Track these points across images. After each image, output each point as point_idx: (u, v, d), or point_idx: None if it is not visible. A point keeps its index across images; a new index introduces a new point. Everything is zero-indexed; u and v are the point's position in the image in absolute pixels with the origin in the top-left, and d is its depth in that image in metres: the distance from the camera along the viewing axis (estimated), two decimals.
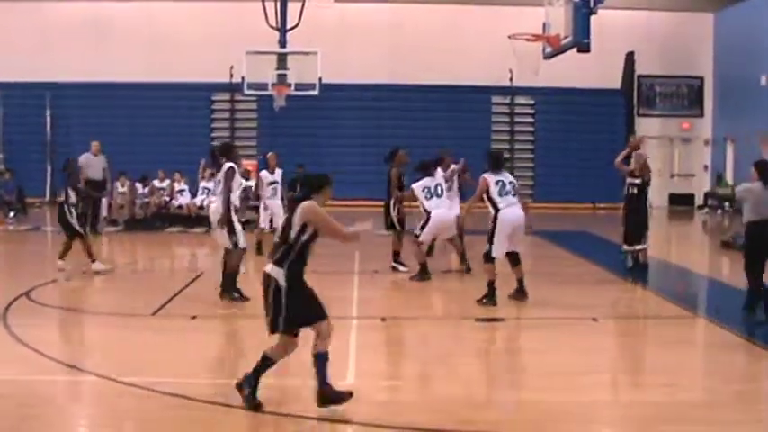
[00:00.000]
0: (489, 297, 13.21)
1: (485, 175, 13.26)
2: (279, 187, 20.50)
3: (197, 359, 10.25)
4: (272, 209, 20.14)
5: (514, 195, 13.22)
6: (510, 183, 13.32)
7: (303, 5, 29.63)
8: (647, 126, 37.02)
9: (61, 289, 15.18)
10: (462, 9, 35.44)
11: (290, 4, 29.40)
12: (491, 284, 13.25)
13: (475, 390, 9.31)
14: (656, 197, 36.68)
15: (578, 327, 12.00)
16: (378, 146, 31.17)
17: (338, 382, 8.60)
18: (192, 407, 8.17)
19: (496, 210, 13.08)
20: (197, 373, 9.45)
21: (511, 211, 13.10)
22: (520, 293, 13.61)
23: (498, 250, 13.17)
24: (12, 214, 27.31)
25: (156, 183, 26.74)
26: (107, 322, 12.16)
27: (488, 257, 13.22)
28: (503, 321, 12.35)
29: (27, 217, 28.13)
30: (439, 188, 16.09)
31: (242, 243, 13.74)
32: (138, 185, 26.86)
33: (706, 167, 37.16)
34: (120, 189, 26.54)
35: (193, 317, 12.53)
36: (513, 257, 13.51)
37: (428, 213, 15.87)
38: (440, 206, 16.00)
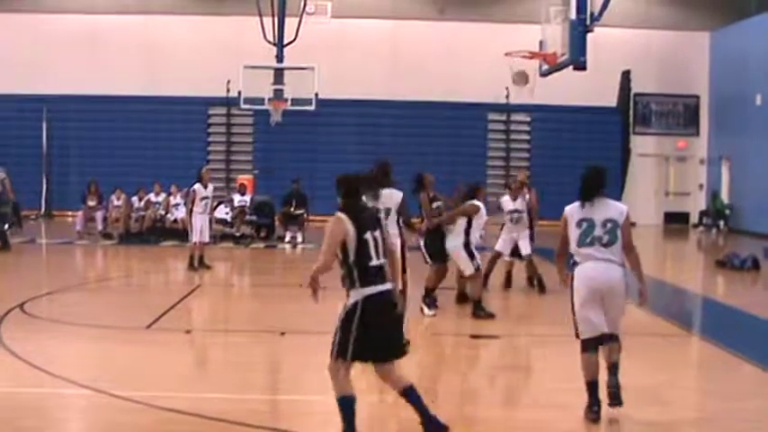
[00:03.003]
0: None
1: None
2: (210, 203, 20.22)
3: (191, 373, 10.24)
4: (202, 223, 19.62)
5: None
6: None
7: (300, 21, 29.72)
8: (642, 144, 37.09)
9: (55, 302, 15.16)
10: (459, 26, 35.51)
11: (287, 20, 29.44)
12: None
13: (470, 406, 9.30)
14: (652, 215, 36.76)
15: (572, 344, 11.97)
16: (374, 162, 31.22)
17: (323, 398, 8.59)
18: (186, 421, 8.15)
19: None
20: (191, 388, 9.43)
21: None
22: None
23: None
24: (6, 227, 27.24)
25: (152, 196, 26.72)
26: (101, 335, 12.14)
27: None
28: (497, 339, 12.33)
29: (22, 230, 28.07)
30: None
31: None
32: (134, 199, 26.85)
33: (701, 186, 37.17)
34: (116, 202, 26.52)
35: (188, 331, 12.52)
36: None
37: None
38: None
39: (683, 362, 11.82)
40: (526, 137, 36.77)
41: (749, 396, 9.68)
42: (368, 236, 7.46)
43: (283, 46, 29.44)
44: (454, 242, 14.28)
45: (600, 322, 8.61)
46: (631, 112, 36.97)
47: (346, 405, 7.59)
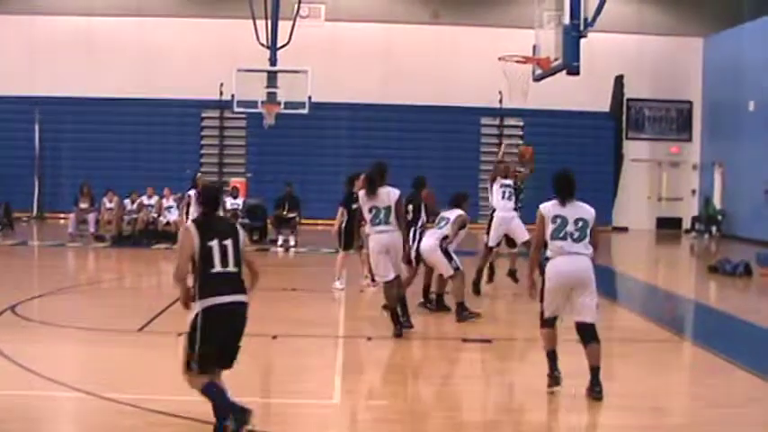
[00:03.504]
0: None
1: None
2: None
3: (182, 376, 10.20)
4: None
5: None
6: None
7: (294, 24, 29.68)
8: (635, 149, 37.14)
9: (47, 304, 15.11)
10: (453, 30, 35.53)
11: (280, 23, 29.42)
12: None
13: (463, 411, 9.29)
14: (644, 220, 36.81)
15: (565, 349, 11.97)
16: (367, 165, 31.21)
17: (325, 401, 8.56)
18: (177, 424, 8.14)
19: None
20: (182, 391, 9.39)
21: None
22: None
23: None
24: None
25: (145, 199, 26.68)
26: (93, 338, 12.11)
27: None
28: (490, 343, 12.31)
29: (14, 232, 28.03)
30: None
31: None
32: (127, 201, 26.81)
33: (694, 192, 37.22)
34: (108, 205, 26.47)
35: (180, 334, 12.48)
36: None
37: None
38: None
39: (675, 367, 11.82)
40: (519, 141, 36.72)
41: (741, 402, 9.68)
42: (213, 243, 7.59)
43: (277, 49, 29.42)
44: (429, 243, 14.33)
45: (561, 307, 9.68)
46: (624, 118, 37.02)
47: (210, 391, 7.68)
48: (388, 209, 12.60)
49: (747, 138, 32.73)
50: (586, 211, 9.89)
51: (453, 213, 14.60)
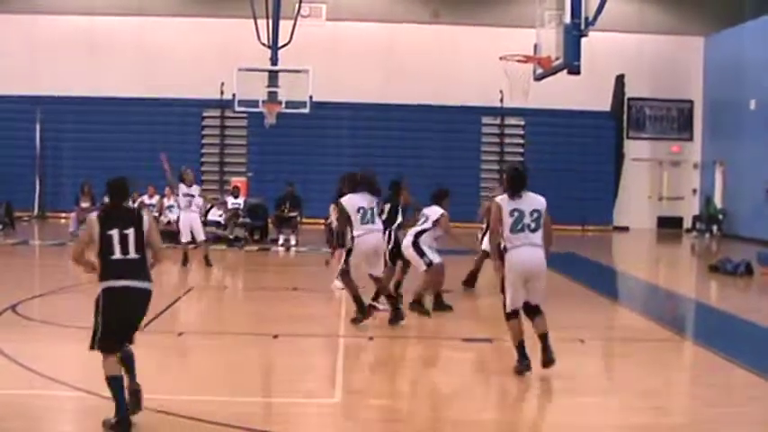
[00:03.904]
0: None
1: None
2: (195, 200, 21.10)
3: (183, 376, 10.22)
4: (190, 221, 20.82)
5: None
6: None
7: (295, 23, 29.68)
8: (636, 149, 37.12)
9: (48, 303, 15.11)
10: (454, 30, 35.52)
11: (281, 22, 29.42)
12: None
13: (463, 410, 9.29)
14: (645, 219, 36.81)
15: (565, 348, 11.98)
16: (368, 165, 31.19)
17: (326, 400, 8.57)
18: (178, 424, 8.13)
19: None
20: (183, 390, 9.41)
21: None
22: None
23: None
24: None
25: (146, 198, 26.68)
26: None
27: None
28: (489, 342, 12.31)
29: (15, 231, 28.05)
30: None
31: None
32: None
33: (695, 191, 37.21)
34: None
35: (180, 333, 12.49)
36: None
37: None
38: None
39: (675, 366, 11.82)
40: (520, 140, 36.77)
41: (741, 401, 9.69)
42: (113, 232, 8.13)
43: (278, 48, 29.41)
44: (407, 240, 14.53)
45: (521, 298, 10.28)
46: (625, 117, 37.00)
47: (112, 384, 8.04)
48: (372, 209, 13.25)
49: (748, 137, 32.71)
50: (539, 202, 10.44)
51: (433, 212, 14.64)
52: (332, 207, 17.43)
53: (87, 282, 17.37)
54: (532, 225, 10.18)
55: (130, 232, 8.20)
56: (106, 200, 8.73)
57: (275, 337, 12.25)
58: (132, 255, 8.19)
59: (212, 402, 8.84)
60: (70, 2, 35.32)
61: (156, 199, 26.66)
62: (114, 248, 8.13)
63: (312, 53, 30.30)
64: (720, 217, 34.53)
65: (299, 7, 30.35)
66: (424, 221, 14.56)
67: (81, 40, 34.85)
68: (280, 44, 29.39)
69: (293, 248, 25.22)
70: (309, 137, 34.36)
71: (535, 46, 21.69)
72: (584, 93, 32.78)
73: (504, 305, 10.37)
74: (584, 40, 19.07)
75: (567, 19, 18.97)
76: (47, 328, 12.59)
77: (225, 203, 27.07)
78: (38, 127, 34.04)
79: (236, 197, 27.42)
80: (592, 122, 35.94)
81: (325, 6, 32.25)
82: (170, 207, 25.81)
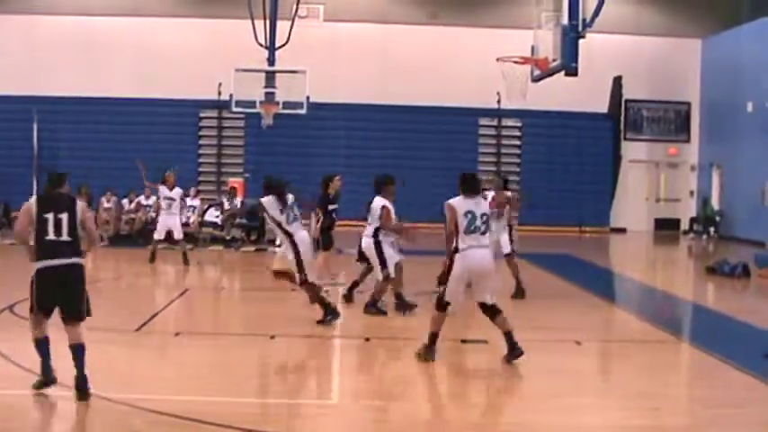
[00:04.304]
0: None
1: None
2: (175, 204, 21.70)
3: (180, 376, 10.21)
4: (169, 224, 21.45)
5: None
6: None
7: (292, 24, 29.65)
8: (633, 150, 37.14)
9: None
10: (451, 31, 35.53)
11: (279, 23, 29.40)
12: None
13: (458, 412, 9.29)
14: (642, 221, 36.83)
15: (562, 349, 12.00)
16: (365, 166, 31.22)
17: (322, 401, 8.55)
18: (173, 423, 8.13)
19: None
20: (180, 390, 9.41)
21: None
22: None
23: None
24: None
25: (142, 199, 26.67)
26: (90, 337, 12.02)
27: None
28: (486, 344, 12.31)
29: (12, 231, 27.97)
30: None
31: None
32: (124, 201, 26.78)
33: (692, 193, 37.24)
34: (106, 205, 26.47)
35: (177, 333, 12.49)
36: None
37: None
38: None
39: (672, 368, 11.82)
40: (517, 142, 36.78)
41: (738, 403, 9.69)
42: (48, 216, 9.06)
43: (275, 49, 29.37)
44: (366, 241, 14.60)
45: (460, 295, 10.90)
46: (622, 118, 37.02)
47: (39, 345, 9.17)
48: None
49: (745, 139, 32.74)
50: (486, 206, 11.10)
51: (376, 203, 14.52)
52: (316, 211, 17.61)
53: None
54: (482, 228, 10.70)
55: (64, 217, 9.11)
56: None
57: (272, 337, 12.25)
58: (65, 237, 9.06)
59: (209, 403, 8.83)
60: (67, 2, 35.30)
61: (152, 199, 26.64)
62: (49, 230, 9.01)
63: (309, 54, 30.26)
64: (717, 219, 34.56)
65: (297, 8, 30.33)
66: (371, 217, 14.57)
67: (78, 41, 34.81)
68: (277, 45, 29.34)
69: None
70: (306, 138, 34.34)
71: (532, 47, 21.68)
72: (581, 94, 32.78)
73: (441, 296, 10.88)
74: (581, 41, 19.06)
75: (565, 20, 18.98)
76: None
77: (222, 204, 27.06)
78: (35, 127, 33.98)
79: (232, 198, 27.41)
80: (589, 124, 35.94)
81: (322, 7, 32.29)
82: (147, 207, 25.78)
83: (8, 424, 8.04)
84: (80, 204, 9.43)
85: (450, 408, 9.46)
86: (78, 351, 9.06)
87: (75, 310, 9.21)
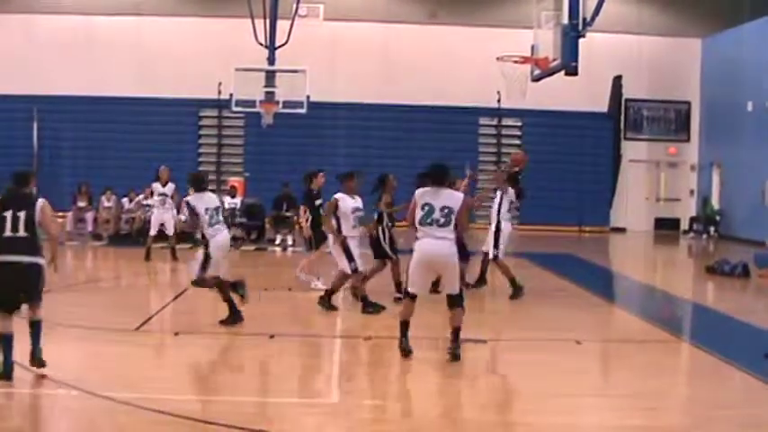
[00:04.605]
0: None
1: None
2: (168, 200, 22.16)
3: (179, 375, 10.20)
4: (163, 219, 22.10)
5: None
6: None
7: (292, 23, 29.68)
8: (633, 150, 37.15)
9: (44, 302, 15.02)
10: (451, 30, 35.52)
11: (279, 22, 29.42)
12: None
13: (459, 411, 9.29)
14: (642, 221, 36.82)
15: (561, 349, 11.99)
16: (365, 165, 31.14)
17: (322, 400, 8.54)
18: (172, 423, 8.12)
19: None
20: (179, 389, 9.40)
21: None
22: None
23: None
24: None
25: (142, 198, 26.67)
26: (90, 336, 12.11)
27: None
28: (485, 343, 12.30)
29: None
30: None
31: None
32: (125, 200, 26.80)
33: (692, 192, 37.24)
34: (106, 204, 26.47)
35: (176, 333, 12.48)
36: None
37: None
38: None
39: (672, 368, 11.81)
40: (517, 141, 36.73)
41: (738, 403, 9.68)
42: (7, 213, 9.50)
43: (275, 48, 29.41)
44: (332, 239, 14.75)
45: (423, 284, 11.25)
46: (622, 118, 37.02)
47: (2, 342, 9.42)
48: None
49: (746, 138, 32.73)
50: (454, 200, 10.95)
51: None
52: (302, 208, 17.68)
53: (84, 282, 17.45)
54: (441, 220, 10.75)
55: (22, 214, 9.52)
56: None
57: (271, 337, 12.24)
58: (21, 233, 9.46)
59: (208, 402, 8.84)
60: (67, 1, 35.31)
61: (152, 199, 26.63)
62: (6, 227, 9.42)
63: (309, 53, 30.28)
64: (717, 218, 34.55)
65: (297, 7, 30.36)
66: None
67: (78, 40, 34.81)
68: (277, 44, 29.38)
69: (290, 248, 25.21)
70: (306, 137, 34.34)
71: (532, 47, 21.67)
72: (581, 94, 32.79)
73: (406, 286, 11.32)
74: (581, 40, 19.05)
75: (565, 20, 18.97)
76: (43, 327, 12.54)
77: (222, 203, 27.04)
78: (35, 126, 33.99)
79: (233, 197, 27.41)
80: (589, 123, 35.95)
81: (322, 6, 32.31)
82: (147, 206, 25.79)
83: (7, 423, 8.03)
84: (41, 203, 9.83)
85: (449, 407, 9.44)
86: (35, 327, 9.68)
87: (35, 299, 9.78)
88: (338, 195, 14.58)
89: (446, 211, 10.79)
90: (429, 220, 10.78)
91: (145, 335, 12.36)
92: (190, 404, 8.69)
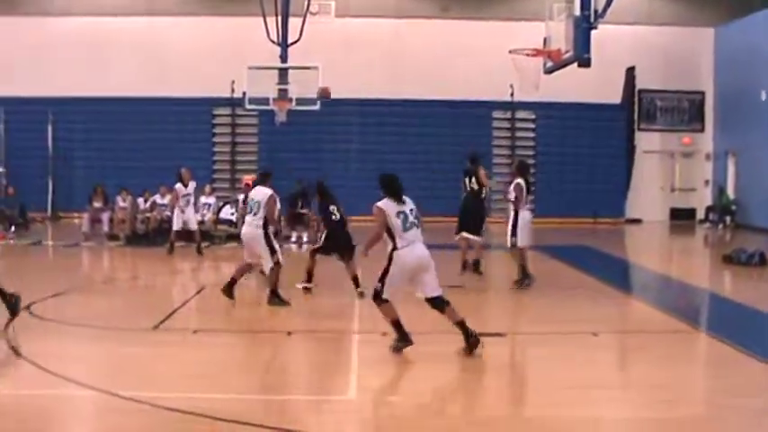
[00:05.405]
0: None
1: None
2: (192, 198, 23.07)
3: (199, 374, 10.24)
4: (187, 217, 22.86)
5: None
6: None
7: (304, 20, 29.72)
8: (647, 140, 37.07)
9: (62, 303, 15.15)
10: (463, 24, 35.50)
11: (291, 19, 29.46)
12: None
13: (477, 405, 9.30)
14: (658, 211, 36.74)
15: (579, 342, 11.99)
16: (379, 161, 31.22)
17: (340, 397, 8.56)
18: (192, 421, 8.15)
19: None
20: (199, 388, 9.44)
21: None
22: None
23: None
24: (13, 229, 27.33)
25: (158, 198, 26.71)
26: (108, 336, 12.16)
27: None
28: (503, 336, 12.31)
29: (29, 231, 28.16)
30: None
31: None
32: (140, 200, 26.87)
33: (707, 182, 37.16)
34: (122, 204, 26.54)
35: (195, 331, 12.53)
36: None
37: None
38: None
39: (689, 359, 11.80)
40: (531, 134, 36.75)
41: (756, 392, 9.67)
42: None
43: (287, 46, 29.47)
44: (252, 232, 14.82)
45: (401, 288, 11.17)
46: (636, 109, 36.96)
47: None
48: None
49: (760, 127, 32.63)
50: (411, 201, 11.20)
51: (261, 193, 15.02)
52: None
53: (100, 282, 17.53)
54: (416, 222, 11.00)
55: None
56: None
57: (289, 334, 12.28)
58: None
59: (228, 400, 8.86)
60: (79, 3, 35.43)
61: (167, 198, 26.67)
62: None
63: (322, 50, 30.29)
64: (733, 208, 34.47)
65: (308, 4, 30.38)
66: (258, 208, 14.92)
67: (90, 41, 34.92)
68: (289, 41, 29.43)
69: (305, 245, 25.23)
70: (320, 133, 34.39)
71: (545, 39, 21.66)
72: (594, 85, 32.69)
73: (379, 292, 10.95)
74: (593, 32, 19.05)
75: (577, 11, 18.96)
76: (61, 328, 12.63)
77: (237, 201, 27.08)
78: (50, 128, 34.12)
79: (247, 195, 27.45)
80: (603, 115, 35.88)
81: (333, 3, 32.25)
82: (162, 205, 25.83)
83: (26, 425, 8.08)
84: None
85: (466, 402, 9.46)
86: None
87: None
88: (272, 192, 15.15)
89: (414, 212, 11.00)
90: (408, 225, 10.87)
91: (163, 334, 12.41)
92: (209, 402, 8.72)
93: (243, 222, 15.38)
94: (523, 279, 16.73)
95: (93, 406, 8.89)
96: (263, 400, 8.74)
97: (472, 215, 17.88)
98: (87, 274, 20.91)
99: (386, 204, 11.00)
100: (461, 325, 11.04)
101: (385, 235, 10.96)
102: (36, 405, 8.73)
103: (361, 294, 15.04)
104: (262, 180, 15.46)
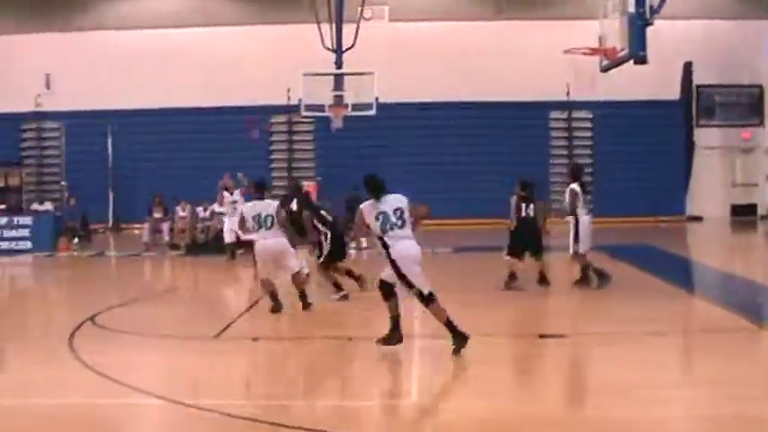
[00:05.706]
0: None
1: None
2: (239, 206, 22.03)
3: (262, 381, 10.28)
4: (232, 224, 22.28)
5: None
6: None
7: (358, 26, 29.79)
8: (706, 136, 36.70)
9: (125, 314, 15.29)
10: (517, 25, 35.41)
11: (345, 26, 29.54)
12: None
13: (541, 407, 9.24)
14: (718, 208, 36.33)
15: (643, 341, 11.87)
16: (437, 163, 31.26)
17: (401, 401, 8.54)
18: (258, 428, 8.18)
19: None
20: (263, 395, 9.47)
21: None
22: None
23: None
24: (76, 240, 27.66)
25: (216, 207, 26.89)
26: (171, 346, 12.25)
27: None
28: (566, 338, 12.23)
29: (91, 243, 28.50)
30: None
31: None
32: (199, 209, 27.08)
33: None
34: (181, 213, 26.77)
35: (255, 338, 12.57)
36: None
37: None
38: None
39: (757, 356, 11.63)
40: (588, 133, 36.54)
41: None
42: None
43: (342, 52, 29.54)
44: (282, 242, 14.78)
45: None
46: (694, 105, 36.60)
47: None
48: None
49: None
50: (400, 200, 11.32)
51: (270, 207, 14.99)
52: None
53: (162, 292, 17.67)
54: (399, 223, 11.07)
55: None
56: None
57: (350, 339, 12.30)
58: None
59: (293, 407, 8.88)
60: (137, 17, 35.87)
61: (226, 207, 26.85)
62: None
63: (376, 55, 30.36)
64: None
65: (362, 10, 30.44)
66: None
67: (149, 53, 35.31)
68: (344, 47, 29.50)
69: (365, 250, 25.25)
70: (376, 138, 34.43)
71: (600, 37, 21.54)
72: (651, 82, 32.45)
73: (420, 291, 11.09)
74: (649, 28, 18.94)
75: (631, 8, 18.86)
76: (126, 338, 12.74)
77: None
78: (110, 140, 34.51)
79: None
80: (660, 112, 35.58)
81: (387, 8, 32.36)
82: (221, 214, 25.92)
83: None
84: None
85: (531, 404, 9.40)
86: None
87: None
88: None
89: (399, 213, 11.11)
90: (389, 226, 11.03)
91: (225, 342, 12.47)
92: (274, 409, 8.75)
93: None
94: (601, 279, 16.53)
95: (159, 415, 8.95)
96: (329, 405, 8.74)
97: (535, 239, 17.16)
98: (149, 283, 21.10)
99: (365, 206, 11.34)
100: (397, 320, 11.35)
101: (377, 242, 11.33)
102: (102, 415, 8.81)
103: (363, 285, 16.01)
104: (259, 193, 14.97)
